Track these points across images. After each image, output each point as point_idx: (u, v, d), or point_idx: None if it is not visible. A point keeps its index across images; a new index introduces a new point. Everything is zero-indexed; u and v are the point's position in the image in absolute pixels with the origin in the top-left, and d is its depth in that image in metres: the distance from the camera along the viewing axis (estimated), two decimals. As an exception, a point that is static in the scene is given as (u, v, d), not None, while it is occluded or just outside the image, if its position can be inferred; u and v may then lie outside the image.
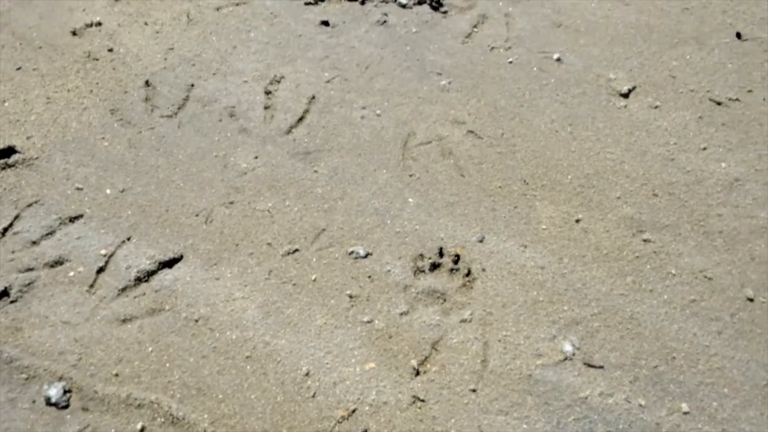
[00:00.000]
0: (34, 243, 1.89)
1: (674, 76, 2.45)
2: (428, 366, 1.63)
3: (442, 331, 1.70)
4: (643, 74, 2.46)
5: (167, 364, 1.61)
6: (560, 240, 1.92)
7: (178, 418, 1.51)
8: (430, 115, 2.31)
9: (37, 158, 2.17)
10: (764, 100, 2.35)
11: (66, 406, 1.53)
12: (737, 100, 2.35)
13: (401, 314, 1.73)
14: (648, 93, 2.39)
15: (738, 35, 2.60)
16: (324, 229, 1.95)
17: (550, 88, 2.42)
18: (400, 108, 2.34)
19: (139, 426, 1.51)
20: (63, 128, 2.27)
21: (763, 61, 2.50)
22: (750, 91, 2.39)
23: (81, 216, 1.97)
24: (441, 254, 1.88)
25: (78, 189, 2.08)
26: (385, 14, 2.71)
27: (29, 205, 2.00)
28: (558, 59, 2.52)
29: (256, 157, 2.18)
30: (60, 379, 1.58)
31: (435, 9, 2.75)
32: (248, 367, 1.62)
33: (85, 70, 2.49)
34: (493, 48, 2.57)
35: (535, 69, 2.49)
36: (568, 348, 1.66)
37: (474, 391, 1.57)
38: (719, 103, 2.34)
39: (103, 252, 1.87)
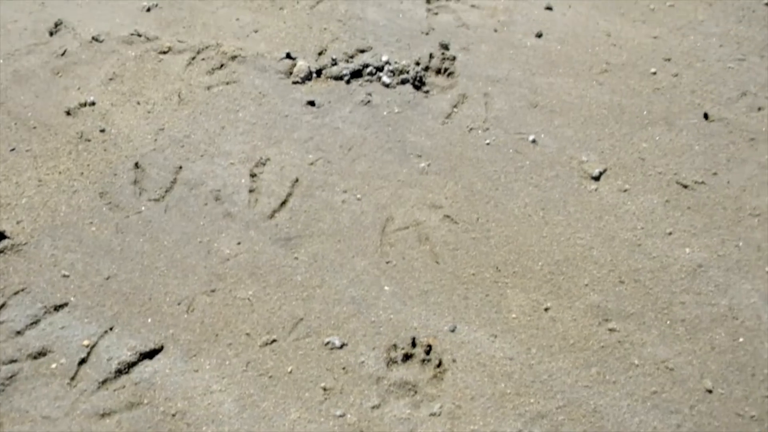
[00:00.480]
0: (18, 333, 1.96)
1: (643, 158, 2.55)
2: (396, 463, 1.69)
3: (411, 425, 1.76)
4: (614, 156, 2.55)
5: (144, 462, 1.68)
6: (529, 329, 2.00)
7: None
8: (409, 199, 2.40)
9: (25, 244, 2.25)
10: (728, 183, 2.44)
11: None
12: (703, 183, 2.44)
13: (373, 408, 1.80)
14: (618, 176, 2.48)
15: (705, 116, 2.70)
16: (302, 319, 2.02)
17: (525, 171, 2.51)
18: (380, 191, 2.43)
19: None
20: (53, 212, 2.36)
21: (728, 142, 2.59)
22: (715, 173, 2.48)
23: (66, 304, 2.05)
24: (414, 344, 1.95)
25: (65, 276, 2.16)
26: (369, 94, 2.82)
27: (16, 293, 2.08)
28: (533, 141, 2.62)
29: (239, 243, 2.26)
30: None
31: (417, 88, 2.85)
32: (222, 464, 1.68)
33: (77, 151, 2.59)
34: (471, 129, 2.67)
35: (511, 151, 2.58)
36: (531, 444, 1.73)
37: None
38: (686, 186, 2.43)
39: (85, 343, 1.94)
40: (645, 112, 2.74)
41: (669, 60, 2.96)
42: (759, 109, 2.73)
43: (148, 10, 3.28)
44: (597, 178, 2.47)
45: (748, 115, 2.71)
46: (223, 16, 3.24)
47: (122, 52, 3.04)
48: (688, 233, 2.29)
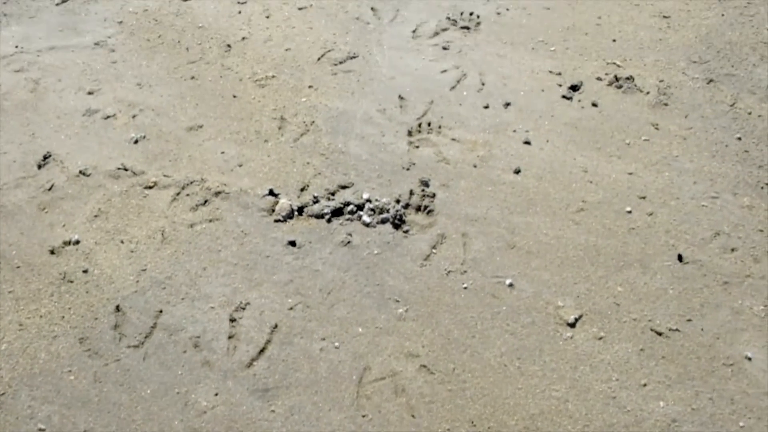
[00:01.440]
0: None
1: (618, 303, 2.59)
2: None
3: None
4: (590, 301, 2.60)
5: None
6: (505, 496, 1.98)
7: None
8: (386, 347, 2.42)
9: (3, 394, 2.24)
10: (702, 330, 2.48)
11: None
12: (677, 330, 2.48)
13: None
14: (593, 322, 2.51)
15: (680, 258, 2.77)
16: (275, 484, 2.00)
17: (501, 317, 2.54)
18: (358, 339, 2.44)
19: None
20: (32, 359, 2.35)
21: (702, 286, 2.65)
22: (689, 320, 2.52)
23: (38, 469, 2.02)
24: None
25: (41, 430, 2.13)
26: (350, 234, 2.87)
27: (-12, 457, 2.05)
28: (510, 284, 2.66)
29: (216, 395, 2.26)
30: None
31: (397, 227, 2.92)
32: None
33: (59, 293, 2.61)
34: (449, 272, 2.72)
35: (488, 295, 2.62)
36: None
37: None
38: (660, 334, 2.47)
39: None
40: (620, 254, 2.80)
41: (644, 198, 3.05)
42: (732, 250, 2.80)
43: (136, 142, 3.37)
44: (572, 325, 2.51)
45: (722, 257, 2.77)
46: (209, 148, 3.32)
47: (108, 187, 3.10)
48: (663, 384, 2.31)
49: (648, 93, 3.60)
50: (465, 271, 2.72)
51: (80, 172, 3.17)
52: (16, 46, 4.10)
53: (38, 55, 4.02)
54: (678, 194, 3.05)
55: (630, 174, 3.16)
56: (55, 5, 4.55)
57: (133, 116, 3.52)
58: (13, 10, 4.49)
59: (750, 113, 3.45)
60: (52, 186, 3.10)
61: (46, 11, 4.49)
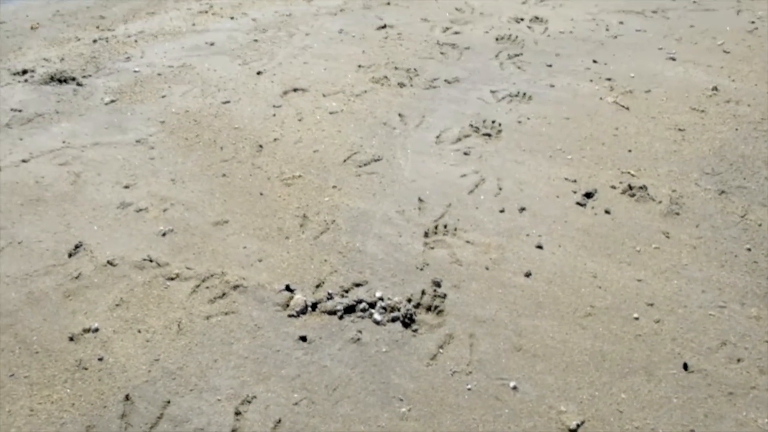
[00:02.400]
0: None
1: (622, 410, 2.57)
2: None
3: None
4: (593, 407, 2.58)
5: None
6: None
7: None
8: (386, 447, 2.43)
9: (9, 477, 2.30)
10: (710, 445, 2.43)
11: None
12: (683, 443, 2.44)
13: None
14: (595, 429, 2.50)
15: (685, 366, 2.75)
16: None
17: (503, 420, 2.54)
18: (359, 437, 2.46)
19: None
20: (40, 444, 2.42)
21: (707, 396, 2.62)
22: (692, 430, 2.48)
23: None
24: None
25: None
26: (360, 331, 2.93)
27: None
28: (514, 387, 2.67)
29: (214, 488, 2.28)
30: None
31: (406, 326, 2.97)
32: None
33: (72, 380, 2.70)
34: (455, 372, 2.74)
35: (491, 398, 2.63)
36: None
37: None
38: (666, 447, 2.43)
39: None
40: (626, 360, 2.79)
41: (652, 305, 3.06)
42: (738, 360, 2.77)
43: (164, 234, 3.53)
44: (574, 431, 2.49)
45: (728, 367, 2.75)
46: (232, 243, 3.47)
47: (132, 277, 3.24)
48: (666, 500, 2.26)
49: (660, 202, 3.67)
50: (470, 372, 2.75)
51: (108, 262, 3.33)
52: (64, 141, 4.39)
53: (82, 150, 4.29)
54: (686, 302, 3.06)
55: (639, 281, 3.19)
56: (104, 104, 4.88)
57: (164, 210, 3.71)
58: (65, 108, 4.83)
59: (760, 225, 3.48)
60: (80, 274, 3.25)
61: (95, 110, 4.82)
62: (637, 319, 2.99)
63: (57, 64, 5.69)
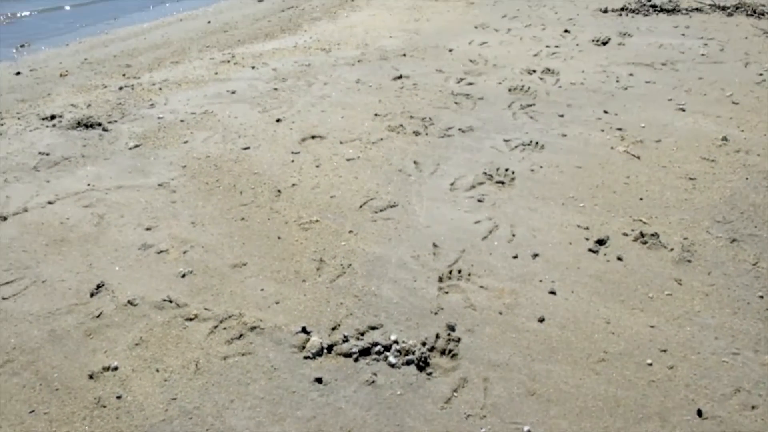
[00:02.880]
0: None
1: (638, 458, 2.57)
2: None
3: None
4: (608, 454, 2.59)
5: None
6: None
7: None
8: (400, 488, 2.44)
9: None
10: (724, 493, 2.43)
11: None
12: (698, 490, 2.44)
13: None
14: (611, 476, 2.50)
15: (699, 413, 2.76)
16: None
17: (518, 465, 2.55)
18: (373, 479, 2.48)
19: None
20: (59, 480, 2.46)
21: (725, 446, 2.62)
22: (711, 481, 2.48)
23: None
24: None
25: None
26: (375, 374, 2.97)
27: None
28: (528, 432, 2.69)
29: None
30: None
31: (421, 369, 3.01)
32: None
33: (91, 417, 2.75)
34: (468, 416, 2.77)
35: (505, 442, 2.65)
36: None
37: None
38: (680, 493, 2.43)
39: None
40: (639, 406, 2.81)
41: (665, 351, 3.08)
42: (752, 407, 2.78)
43: (183, 276, 3.61)
44: (589, 478, 2.49)
45: (742, 414, 2.75)
46: (250, 285, 3.54)
47: (152, 317, 3.31)
48: None
49: (672, 249, 3.72)
50: (484, 416, 2.77)
51: (128, 301, 3.40)
52: (88, 184, 4.52)
53: (106, 192, 4.41)
54: (699, 349, 3.08)
55: (652, 327, 3.22)
56: (128, 149, 5.03)
57: (184, 252, 3.79)
58: (91, 152, 4.97)
59: (773, 273, 3.51)
60: (101, 314, 3.33)
61: (119, 154, 4.96)
62: (650, 365, 3.01)
63: (84, 109, 5.87)
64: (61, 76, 6.78)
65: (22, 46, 7.82)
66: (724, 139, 4.99)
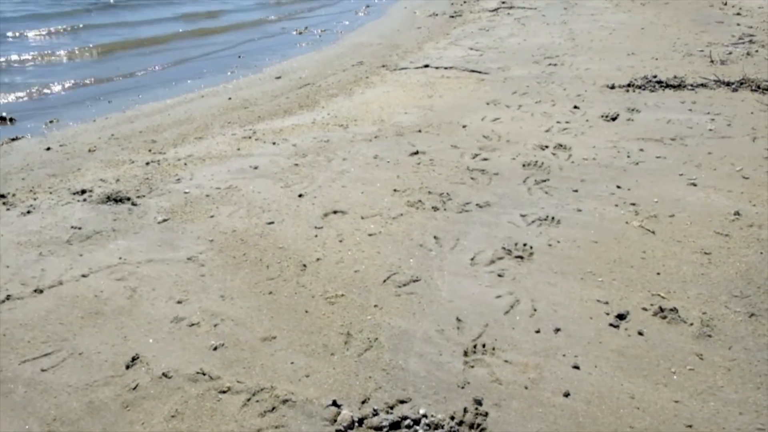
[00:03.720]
0: None
1: None
2: None
3: None
4: None
5: None
6: None
7: None
8: None
9: None
10: None
11: None
12: None
13: None
14: None
15: (730, 491, 2.80)
16: None
17: None
18: None
19: None
20: None
21: None
22: None
23: None
24: None
25: None
26: (404, 446, 3.04)
27: None
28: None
29: None
30: None
31: (450, 443, 3.07)
32: None
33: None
34: (499, 490, 2.82)
35: None
36: None
37: None
38: None
39: None
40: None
41: (690, 426, 3.15)
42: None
43: (215, 348, 3.72)
44: None
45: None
46: (280, 358, 3.64)
47: (186, 390, 3.40)
48: None
49: (692, 324, 3.82)
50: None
51: (163, 374, 3.50)
52: (120, 258, 4.67)
53: (138, 266, 4.56)
54: (724, 424, 3.14)
55: (676, 402, 3.29)
56: (157, 223, 5.20)
57: (215, 325, 3.91)
58: (121, 227, 5.15)
59: (792, 349, 3.59)
60: (137, 386, 3.42)
61: (149, 228, 5.14)
62: (676, 440, 3.07)
63: (113, 184, 6.08)
64: (90, 151, 7.04)
65: (51, 121, 8.13)
66: (737, 213, 5.14)
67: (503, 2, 16.49)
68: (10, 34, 14.53)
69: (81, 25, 15.86)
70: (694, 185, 5.79)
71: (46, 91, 9.87)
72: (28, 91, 9.85)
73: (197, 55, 12.76)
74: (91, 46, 13.29)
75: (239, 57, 12.54)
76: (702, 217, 5.18)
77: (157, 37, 14.54)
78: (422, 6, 16.73)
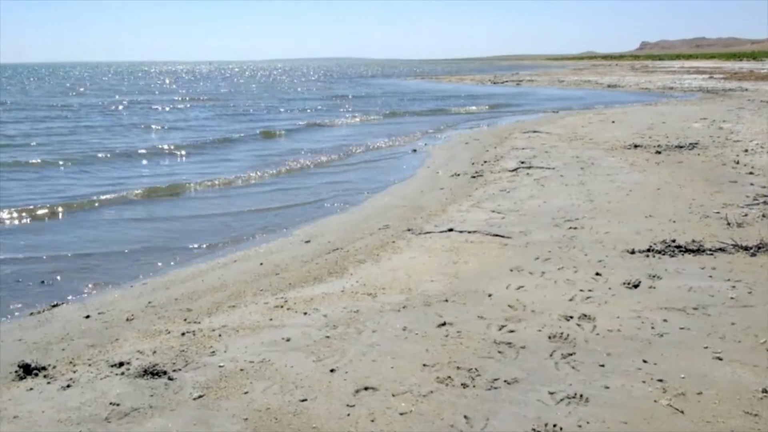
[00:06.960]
0: None
1: None
2: None
3: None
4: None
5: None
6: None
7: None
8: None
9: None
10: None
11: None
12: None
13: None
14: None
15: None
16: None
17: None
18: None
19: None
20: None
21: None
22: None
23: None
24: None
25: None
26: None
27: None
28: None
29: None
30: None
31: None
32: None
33: None
34: None
35: None
36: None
37: None
38: None
39: None
40: None
41: None
42: None
43: None
44: None
45: None
46: None
47: None
48: None
49: None
50: None
51: None
52: (157, 440, 4.78)
53: (174, 448, 4.67)
54: None
55: None
56: (192, 399, 5.36)
57: None
58: (157, 403, 5.30)
59: None
60: None
61: (184, 405, 5.29)
62: None
63: (150, 356, 6.31)
64: (128, 320, 7.33)
65: (89, 286, 8.50)
66: (764, 391, 5.19)
67: (522, 162, 17.23)
68: None
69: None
70: (720, 359, 5.87)
71: (85, 254, 10.35)
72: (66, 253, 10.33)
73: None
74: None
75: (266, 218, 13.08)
76: (730, 394, 5.23)
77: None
78: (445, 165, 17.54)
